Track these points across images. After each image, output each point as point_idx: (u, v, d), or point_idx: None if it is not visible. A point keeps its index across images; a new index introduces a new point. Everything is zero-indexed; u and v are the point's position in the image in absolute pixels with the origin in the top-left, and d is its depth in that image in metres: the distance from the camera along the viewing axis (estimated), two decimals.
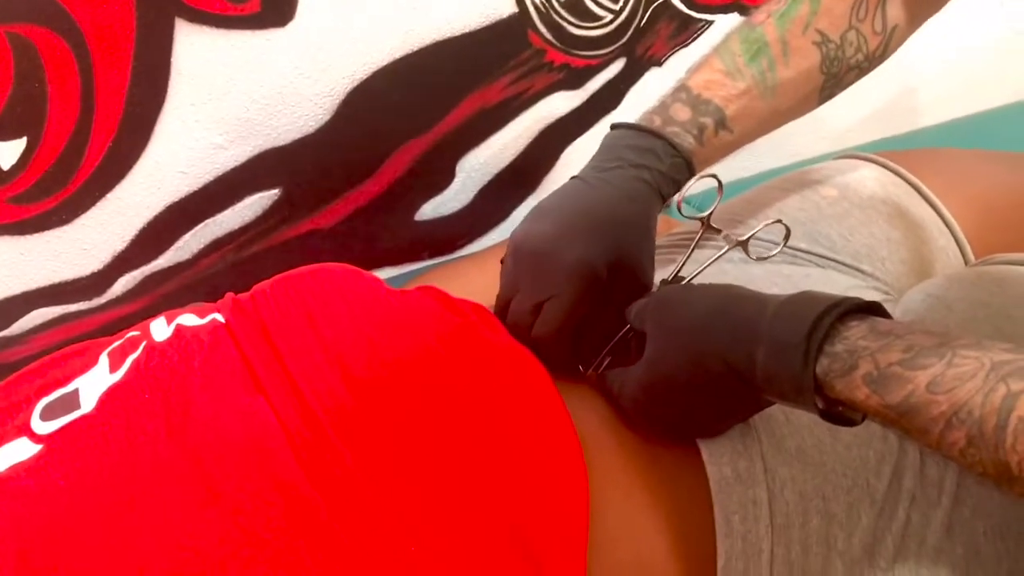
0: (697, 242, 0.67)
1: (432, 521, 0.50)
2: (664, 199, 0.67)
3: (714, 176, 0.65)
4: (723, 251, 0.68)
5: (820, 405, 0.49)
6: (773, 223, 0.68)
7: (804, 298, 0.51)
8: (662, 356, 0.58)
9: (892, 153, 0.89)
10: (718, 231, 0.69)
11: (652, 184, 0.66)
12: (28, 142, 0.81)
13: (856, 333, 0.48)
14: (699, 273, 0.68)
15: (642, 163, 0.66)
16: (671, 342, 0.58)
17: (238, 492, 0.48)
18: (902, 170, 0.85)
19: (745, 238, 0.68)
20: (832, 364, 0.48)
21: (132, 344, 0.58)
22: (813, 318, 0.48)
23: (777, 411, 0.62)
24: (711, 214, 0.65)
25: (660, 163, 0.66)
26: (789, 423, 0.62)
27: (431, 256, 1.15)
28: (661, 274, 0.70)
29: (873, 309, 0.51)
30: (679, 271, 0.69)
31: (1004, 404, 0.40)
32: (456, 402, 0.55)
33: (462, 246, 1.17)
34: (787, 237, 0.69)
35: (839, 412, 0.50)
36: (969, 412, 0.42)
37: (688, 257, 0.68)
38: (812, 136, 1.36)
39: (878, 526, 0.59)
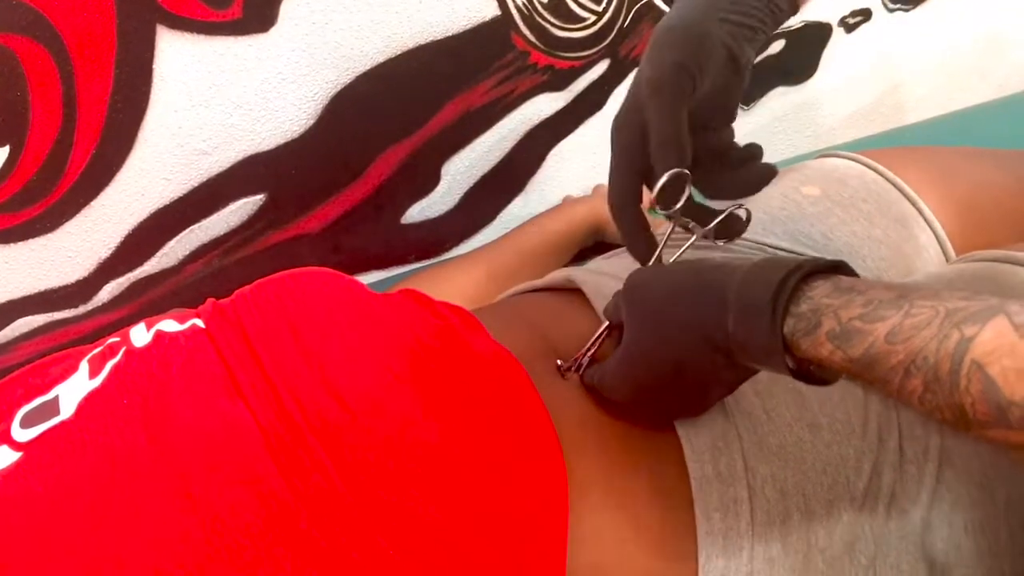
0: (669, 235, 0.66)
1: (412, 525, 0.50)
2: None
3: (686, 172, 0.63)
4: (692, 239, 0.67)
5: (791, 365, 0.49)
6: (736, 208, 0.67)
7: (770, 263, 0.51)
8: (637, 337, 0.58)
9: (874, 151, 0.90)
10: (687, 222, 0.67)
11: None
12: (11, 151, 0.81)
13: (820, 292, 0.48)
14: (676, 260, 0.68)
15: None
16: (645, 321, 0.58)
17: (217, 497, 0.48)
18: (883, 168, 0.86)
19: (711, 226, 0.66)
20: (797, 324, 0.48)
21: (112, 350, 0.58)
22: (777, 281, 0.48)
23: (758, 409, 0.62)
24: (680, 208, 0.64)
25: None
26: (770, 421, 0.62)
27: (418, 259, 1.16)
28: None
29: (838, 268, 0.51)
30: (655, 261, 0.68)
31: (957, 349, 0.41)
32: (436, 405, 0.55)
33: (449, 249, 1.17)
34: (748, 220, 0.68)
35: (811, 371, 0.50)
36: (925, 359, 0.42)
37: (663, 247, 0.66)
38: (796, 135, 1.36)
39: (858, 522, 0.59)
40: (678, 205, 0.62)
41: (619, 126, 0.63)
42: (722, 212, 0.66)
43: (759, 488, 0.59)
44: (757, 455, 0.60)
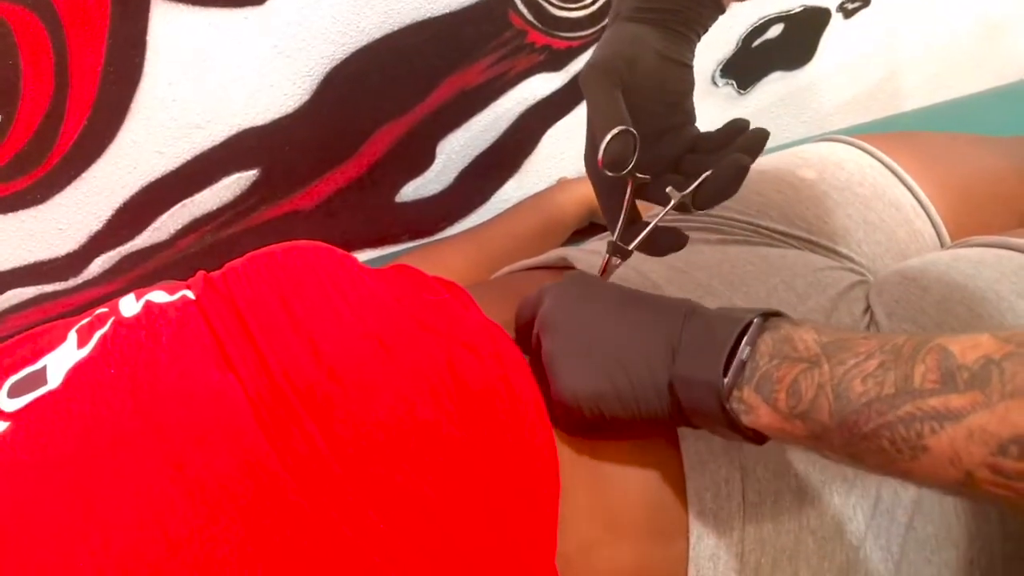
0: (630, 199, 0.65)
1: (402, 500, 0.50)
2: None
3: (628, 130, 0.60)
4: (669, 206, 0.64)
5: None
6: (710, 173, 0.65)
7: (703, 356, 0.52)
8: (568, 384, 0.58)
9: (870, 136, 0.89)
10: (645, 181, 0.65)
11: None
12: (2, 120, 0.80)
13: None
14: (649, 230, 0.65)
15: None
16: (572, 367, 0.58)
17: (205, 468, 0.47)
18: (879, 153, 0.85)
19: (689, 190, 0.62)
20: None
21: (100, 320, 0.57)
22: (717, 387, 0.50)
23: None
24: (632, 169, 0.62)
25: None
26: None
27: (411, 238, 1.15)
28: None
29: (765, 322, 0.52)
30: (618, 234, 0.66)
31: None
32: (428, 380, 0.55)
33: (443, 228, 1.16)
34: (737, 178, 0.65)
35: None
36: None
37: (623, 217, 0.65)
38: (792, 120, 1.36)
39: (849, 503, 0.59)
40: (628, 167, 0.61)
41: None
42: (698, 180, 0.63)
43: (751, 468, 0.59)
44: None
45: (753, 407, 0.49)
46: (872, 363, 0.45)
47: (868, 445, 0.44)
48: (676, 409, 0.53)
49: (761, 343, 0.51)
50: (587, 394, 0.55)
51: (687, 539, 0.58)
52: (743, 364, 0.50)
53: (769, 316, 0.53)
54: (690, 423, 0.54)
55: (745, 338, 0.51)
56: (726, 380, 0.50)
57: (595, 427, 0.57)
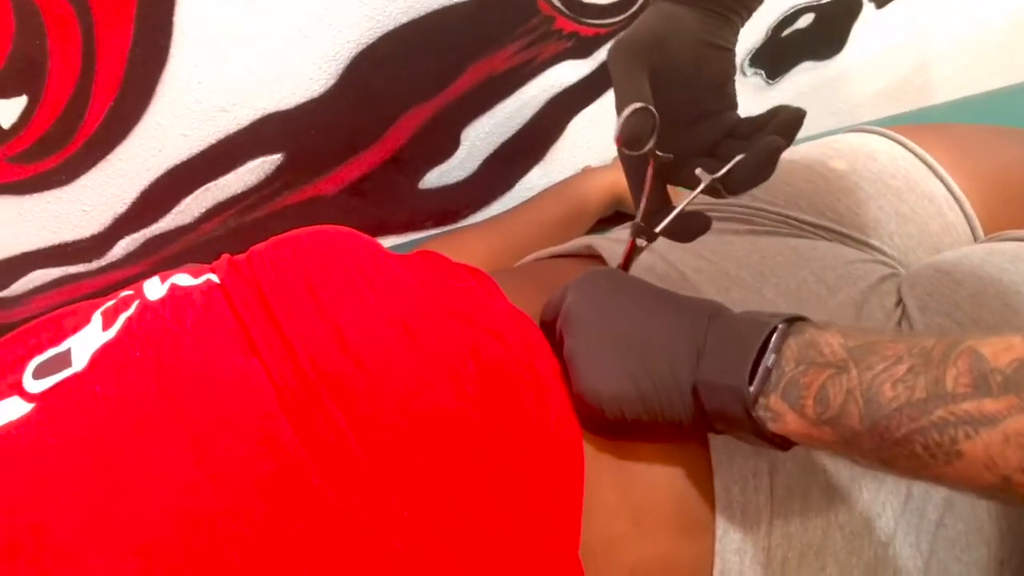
0: (651, 178, 0.63)
1: (426, 486, 0.49)
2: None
3: (647, 107, 0.59)
4: (699, 189, 0.62)
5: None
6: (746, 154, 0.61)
7: (728, 361, 0.52)
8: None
9: (903, 127, 0.88)
10: (667, 160, 0.63)
11: None
12: (28, 101, 0.80)
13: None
14: (677, 213, 0.64)
15: None
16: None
17: (228, 452, 0.47)
18: (912, 144, 0.84)
19: (720, 173, 0.61)
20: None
21: (125, 303, 0.57)
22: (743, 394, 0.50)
23: None
24: (652, 147, 0.61)
25: None
26: None
27: (435, 225, 1.15)
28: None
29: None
30: (641, 214, 0.65)
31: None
32: (453, 367, 0.54)
33: (466, 216, 1.16)
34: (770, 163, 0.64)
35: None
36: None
37: (645, 196, 0.64)
38: (822, 110, 1.34)
39: (878, 499, 0.58)
40: (648, 145, 0.60)
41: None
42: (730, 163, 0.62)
43: (780, 462, 0.58)
44: None
45: (780, 414, 0.49)
46: (902, 367, 0.44)
47: (900, 450, 0.44)
48: (699, 414, 0.53)
49: (786, 348, 0.50)
50: (609, 395, 0.55)
51: (713, 533, 0.57)
52: (769, 371, 0.50)
53: (794, 320, 0.52)
54: (713, 428, 0.54)
55: (771, 344, 0.50)
56: (752, 387, 0.49)
57: (617, 428, 0.56)
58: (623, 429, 0.56)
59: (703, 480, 0.58)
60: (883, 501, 0.58)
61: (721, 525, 0.57)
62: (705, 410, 0.52)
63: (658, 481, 0.57)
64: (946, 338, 0.44)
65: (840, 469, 0.59)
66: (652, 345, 0.55)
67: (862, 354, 0.47)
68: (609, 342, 0.56)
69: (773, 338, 0.50)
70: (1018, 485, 0.39)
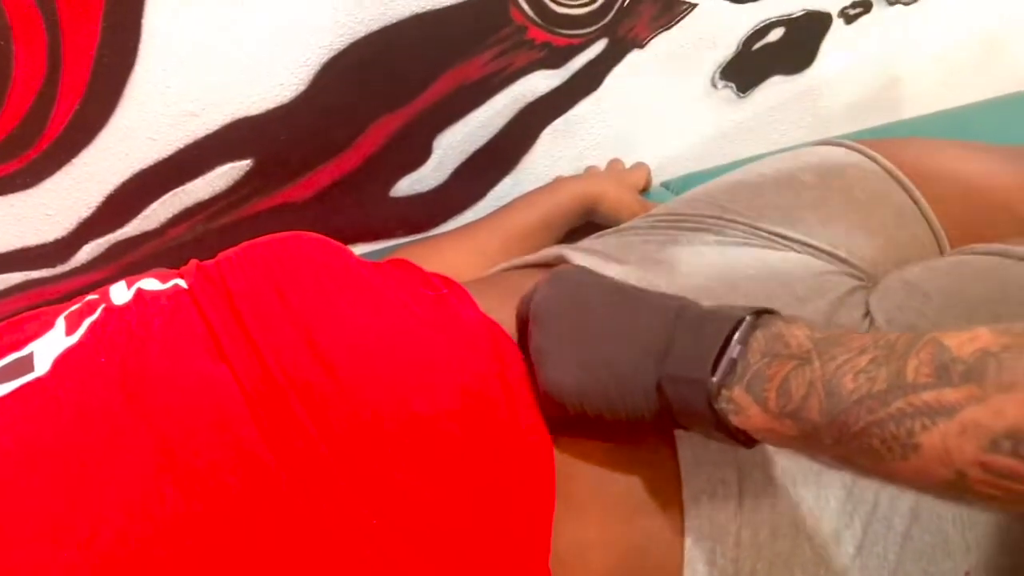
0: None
1: (395, 493, 0.49)
2: None
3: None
4: None
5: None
6: None
7: (692, 354, 0.51)
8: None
9: (872, 141, 0.89)
10: None
11: None
12: None
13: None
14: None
15: None
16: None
17: (195, 458, 0.46)
18: (880, 158, 0.85)
19: None
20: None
21: (90, 307, 0.56)
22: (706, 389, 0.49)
23: None
24: None
25: None
26: None
27: (406, 234, 1.14)
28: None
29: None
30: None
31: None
32: (423, 375, 0.54)
33: (438, 224, 1.15)
34: None
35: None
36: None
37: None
38: (792, 125, 1.35)
39: (846, 509, 0.59)
40: None
41: None
42: None
43: (748, 472, 0.58)
44: None
45: (743, 407, 0.48)
46: (864, 358, 0.44)
47: (858, 444, 0.43)
48: (664, 409, 0.52)
49: (753, 341, 0.49)
50: (570, 387, 0.54)
51: (682, 542, 0.57)
52: (734, 362, 0.49)
53: (762, 314, 0.51)
54: (678, 424, 0.53)
55: (736, 336, 0.49)
56: (715, 379, 0.48)
57: (580, 423, 0.56)
58: (587, 424, 0.56)
59: (672, 489, 0.58)
60: (851, 512, 0.59)
61: (691, 534, 0.57)
62: (670, 405, 0.51)
63: (627, 490, 0.57)
64: (913, 332, 0.44)
65: (809, 479, 0.59)
66: (616, 340, 0.54)
67: (826, 346, 0.46)
68: (574, 336, 0.56)
69: (739, 330, 0.50)
70: (973, 481, 0.39)
